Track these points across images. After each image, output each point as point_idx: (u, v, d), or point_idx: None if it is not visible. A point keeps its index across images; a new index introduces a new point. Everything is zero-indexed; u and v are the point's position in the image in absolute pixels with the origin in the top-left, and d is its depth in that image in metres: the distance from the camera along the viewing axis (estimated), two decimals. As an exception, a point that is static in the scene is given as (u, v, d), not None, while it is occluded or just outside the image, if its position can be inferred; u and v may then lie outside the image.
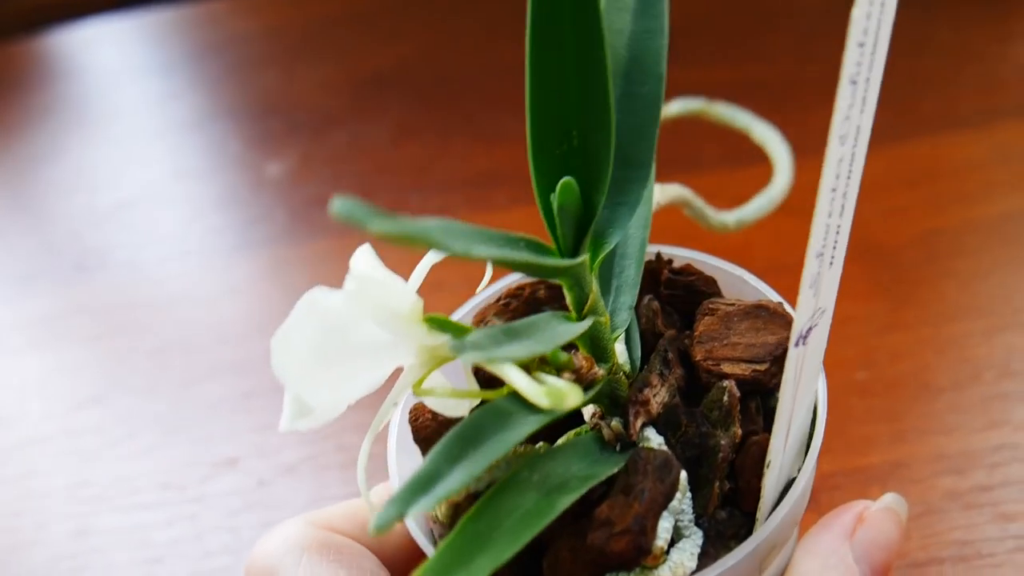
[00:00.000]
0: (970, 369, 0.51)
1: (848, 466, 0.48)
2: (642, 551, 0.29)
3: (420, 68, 0.82)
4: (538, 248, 0.29)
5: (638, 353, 0.34)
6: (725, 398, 0.32)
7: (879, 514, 0.34)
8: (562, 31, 0.28)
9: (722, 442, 0.31)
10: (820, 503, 0.46)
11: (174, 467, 0.55)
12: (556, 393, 0.27)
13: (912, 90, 0.69)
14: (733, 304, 0.35)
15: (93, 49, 0.93)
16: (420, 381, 0.29)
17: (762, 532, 0.31)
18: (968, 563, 0.44)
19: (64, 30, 0.94)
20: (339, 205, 0.22)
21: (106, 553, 0.51)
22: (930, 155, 0.63)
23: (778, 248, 0.58)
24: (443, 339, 0.29)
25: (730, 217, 0.46)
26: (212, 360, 0.61)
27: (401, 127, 0.75)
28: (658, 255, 0.37)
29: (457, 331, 0.29)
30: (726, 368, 0.33)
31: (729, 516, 0.32)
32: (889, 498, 0.35)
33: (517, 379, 0.27)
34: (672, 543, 0.31)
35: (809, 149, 0.65)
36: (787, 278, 0.34)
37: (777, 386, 0.31)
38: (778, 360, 0.33)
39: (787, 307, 0.35)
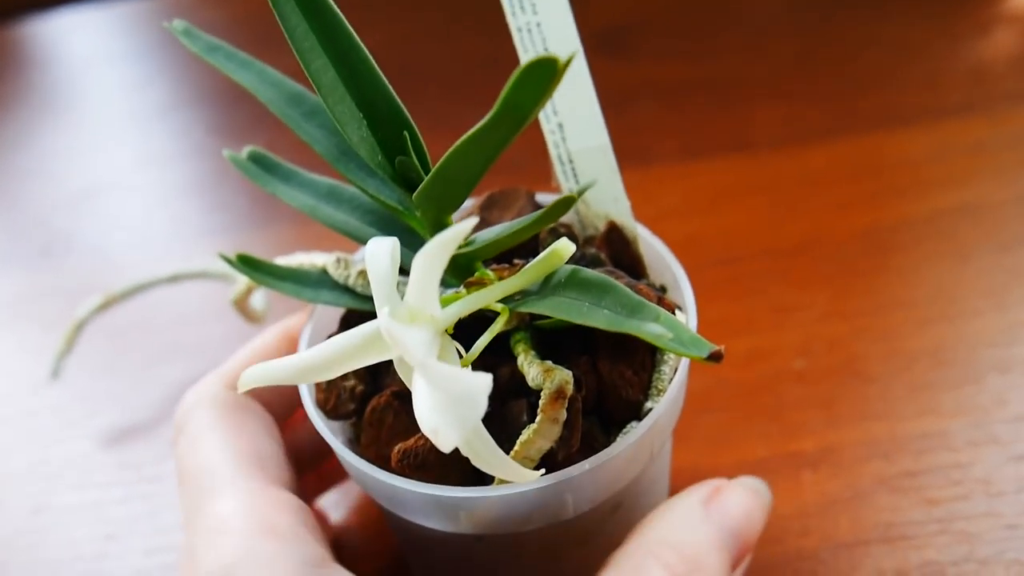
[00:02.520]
0: (902, 359, 0.53)
1: (782, 451, 0.49)
2: None
3: (385, 59, 0.82)
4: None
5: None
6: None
7: (737, 489, 0.35)
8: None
9: None
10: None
11: (131, 447, 0.56)
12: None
13: (857, 87, 0.70)
14: None
15: (64, 38, 0.94)
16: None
17: (653, 414, 0.34)
18: (892, 545, 0.45)
19: (35, 19, 0.95)
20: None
21: (64, 529, 0.53)
22: (873, 151, 0.65)
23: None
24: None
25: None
26: (172, 342, 0.62)
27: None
28: None
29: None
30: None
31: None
32: (749, 479, 0.36)
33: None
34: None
35: (755, 144, 0.67)
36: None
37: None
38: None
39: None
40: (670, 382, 0.35)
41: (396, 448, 0.33)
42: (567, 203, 0.30)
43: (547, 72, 0.26)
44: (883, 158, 0.65)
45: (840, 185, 0.63)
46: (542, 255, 0.32)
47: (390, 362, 0.35)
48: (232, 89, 0.83)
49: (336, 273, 0.37)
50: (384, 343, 0.30)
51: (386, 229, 0.37)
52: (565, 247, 0.32)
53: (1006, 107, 0.66)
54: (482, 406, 0.25)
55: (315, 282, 0.37)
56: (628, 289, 0.31)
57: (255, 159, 0.38)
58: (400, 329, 0.27)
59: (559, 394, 0.32)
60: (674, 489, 0.38)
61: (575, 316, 0.31)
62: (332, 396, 0.35)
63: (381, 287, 0.30)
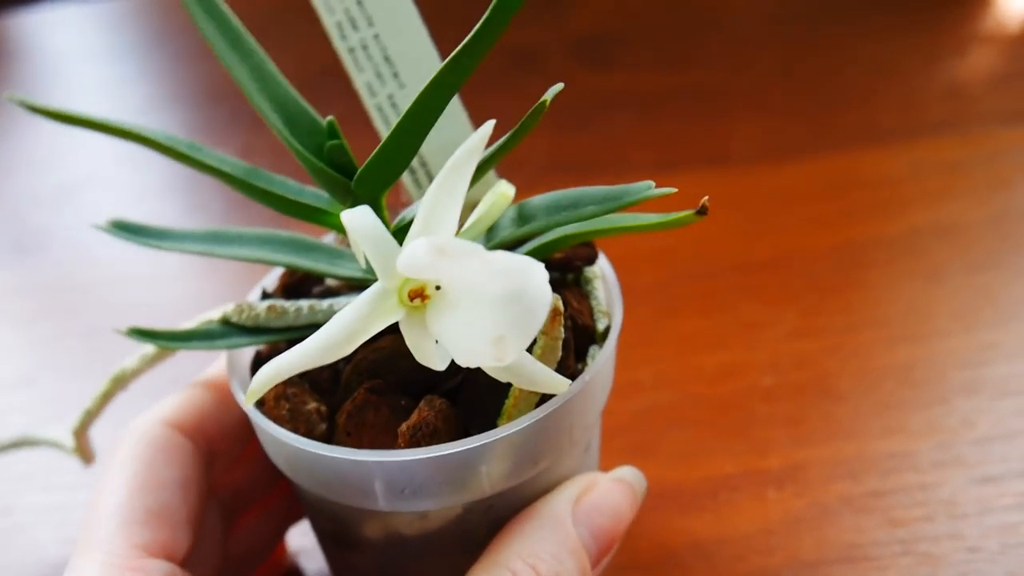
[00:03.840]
0: (871, 378, 0.53)
1: (748, 467, 0.49)
2: None
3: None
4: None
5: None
6: None
7: (608, 483, 0.35)
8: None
9: None
10: (719, 503, 0.47)
11: (98, 448, 0.56)
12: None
13: (835, 104, 0.71)
14: None
15: (46, 34, 0.94)
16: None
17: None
18: (855, 565, 0.45)
19: (16, 14, 0.94)
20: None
21: (28, 531, 0.52)
22: (849, 168, 0.65)
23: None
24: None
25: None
26: (142, 344, 0.61)
27: (343, 120, 0.76)
28: None
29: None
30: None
31: None
32: (625, 470, 0.37)
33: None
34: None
35: (731, 157, 0.67)
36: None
37: None
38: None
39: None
40: (604, 301, 0.37)
41: (402, 429, 0.33)
42: (540, 110, 0.30)
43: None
44: (858, 175, 0.65)
45: (815, 201, 0.63)
46: (487, 201, 0.33)
47: (338, 380, 0.36)
48: (211, 89, 0.83)
49: (241, 318, 0.37)
50: (390, 304, 0.30)
51: (294, 248, 0.38)
52: (509, 188, 0.33)
53: (980, 127, 0.67)
54: (549, 295, 0.25)
55: (221, 333, 0.38)
56: (597, 188, 0.32)
57: (121, 227, 0.38)
58: (450, 241, 0.27)
59: (556, 312, 0.32)
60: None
61: (561, 218, 0.32)
62: (300, 425, 0.35)
63: (379, 243, 0.29)
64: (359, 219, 0.29)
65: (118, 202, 0.74)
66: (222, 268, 0.67)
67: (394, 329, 0.31)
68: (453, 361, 0.29)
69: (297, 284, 0.41)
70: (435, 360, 0.30)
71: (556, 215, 0.32)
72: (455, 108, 0.39)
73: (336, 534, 0.39)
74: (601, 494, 0.35)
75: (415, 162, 0.40)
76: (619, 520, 0.35)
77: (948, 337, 0.54)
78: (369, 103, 0.39)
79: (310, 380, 0.37)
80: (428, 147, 0.40)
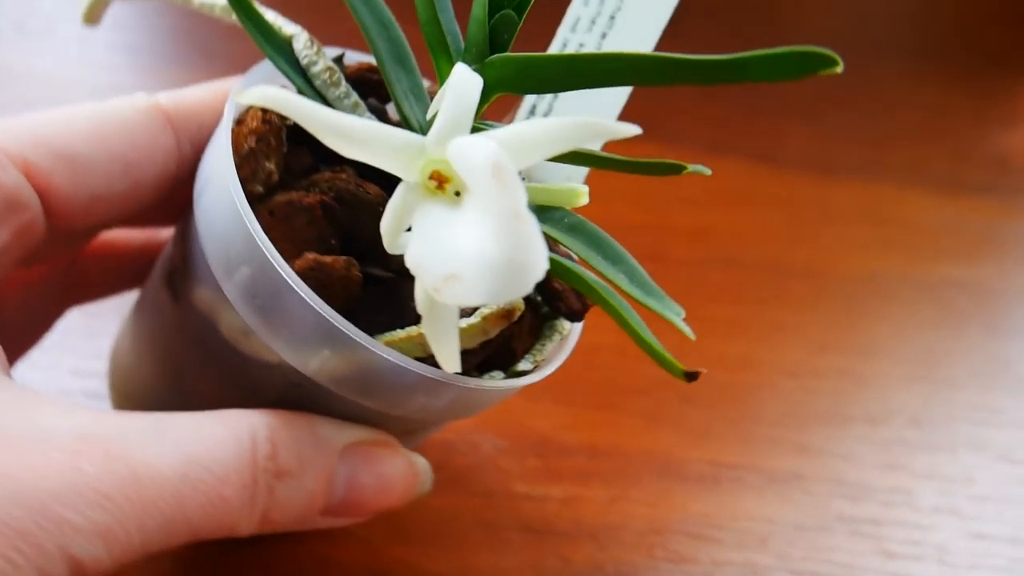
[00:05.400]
0: (883, 408, 0.53)
1: (752, 462, 0.49)
2: None
3: None
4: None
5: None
6: None
7: (402, 458, 0.33)
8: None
9: None
10: (721, 488, 0.47)
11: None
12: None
13: (886, 138, 0.71)
14: None
15: None
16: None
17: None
18: (845, 584, 0.45)
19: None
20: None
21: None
22: (892, 202, 0.65)
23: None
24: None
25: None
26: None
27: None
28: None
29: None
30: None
31: None
32: (423, 461, 0.34)
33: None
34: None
35: (780, 158, 0.66)
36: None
37: None
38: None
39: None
40: (541, 357, 0.34)
41: (308, 256, 0.30)
42: (675, 169, 0.29)
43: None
44: (900, 212, 0.65)
45: (854, 224, 0.63)
46: (558, 185, 0.31)
47: (308, 171, 0.32)
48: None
49: (302, 50, 0.33)
50: (408, 159, 0.27)
51: (395, 51, 0.33)
52: (584, 192, 0.30)
53: (1022, 201, 0.68)
54: (522, 293, 0.23)
55: (277, 45, 0.33)
56: (638, 264, 0.30)
57: None
58: (513, 172, 0.24)
59: (507, 315, 0.30)
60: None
61: (596, 263, 0.29)
62: (247, 168, 0.31)
63: (461, 113, 0.27)
64: (468, 78, 0.27)
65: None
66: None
67: (387, 187, 0.29)
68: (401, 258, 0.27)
69: (361, 81, 0.36)
70: (393, 240, 0.28)
71: (597, 252, 0.30)
72: (619, 95, 0.36)
73: (173, 282, 0.35)
74: (387, 460, 0.32)
75: (543, 102, 0.37)
76: (383, 492, 0.32)
77: (962, 390, 0.55)
78: (563, 33, 0.36)
79: (287, 149, 0.33)
80: (565, 103, 0.36)
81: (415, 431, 0.36)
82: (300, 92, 0.33)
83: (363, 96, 0.35)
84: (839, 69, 0.24)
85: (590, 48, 0.35)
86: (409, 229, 0.27)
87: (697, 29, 0.78)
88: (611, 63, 0.28)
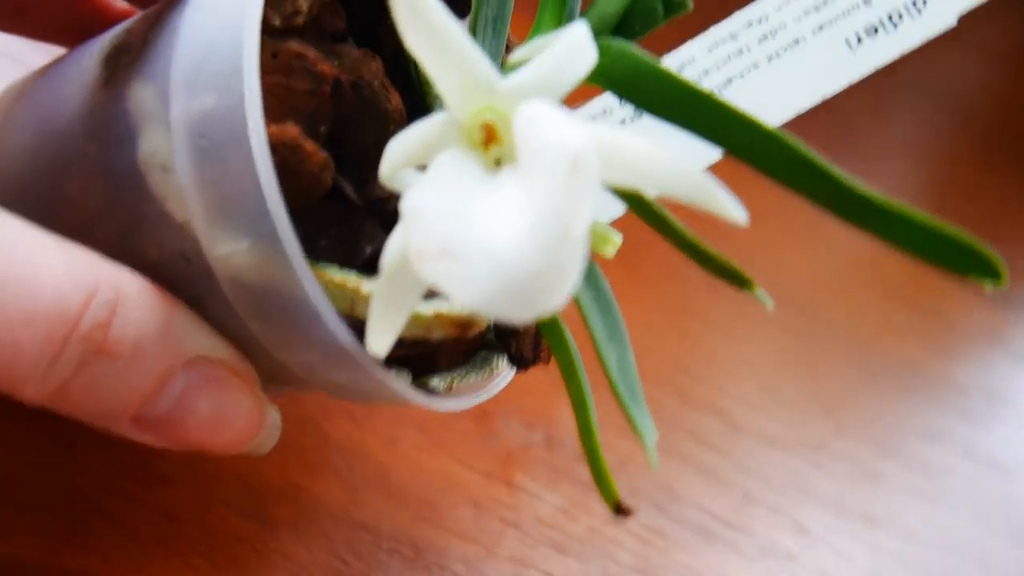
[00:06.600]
0: (885, 511, 0.52)
1: (749, 526, 0.48)
2: None
3: None
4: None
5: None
6: None
7: (250, 397, 0.27)
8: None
9: None
10: (714, 547, 0.46)
11: None
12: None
13: (975, 223, 0.70)
14: None
15: None
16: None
17: None
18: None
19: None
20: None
21: None
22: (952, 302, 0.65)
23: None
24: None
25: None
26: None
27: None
28: None
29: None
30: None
31: None
32: (277, 415, 0.28)
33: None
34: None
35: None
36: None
37: None
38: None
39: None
40: (458, 384, 0.29)
41: (293, 129, 0.24)
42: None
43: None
44: (968, 315, 0.65)
45: (908, 297, 0.64)
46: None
47: (342, 41, 0.27)
48: None
49: None
50: (469, 92, 0.22)
51: None
52: (617, 242, 0.27)
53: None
54: (529, 315, 0.19)
55: None
56: (632, 353, 0.26)
57: None
58: (591, 164, 0.19)
59: (463, 326, 0.26)
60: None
61: (593, 327, 0.25)
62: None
63: (560, 74, 0.22)
64: (586, 45, 0.22)
65: None
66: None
67: (409, 106, 0.26)
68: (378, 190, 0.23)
69: None
70: (393, 170, 0.23)
71: (596, 313, 0.26)
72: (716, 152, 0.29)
73: (115, 61, 0.28)
74: (236, 393, 0.26)
75: (622, 109, 0.31)
76: (213, 427, 0.26)
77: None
78: (692, 49, 0.30)
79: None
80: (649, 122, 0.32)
81: (282, 382, 0.29)
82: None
83: None
84: (1002, 286, 0.20)
85: (713, 83, 0.30)
86: (421, 169, 0.22)
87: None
88: (755, 137, 0.22)
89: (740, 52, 0.29)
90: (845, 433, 0.53)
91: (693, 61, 0.30)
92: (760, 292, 0.25)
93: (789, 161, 0.22)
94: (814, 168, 0.21)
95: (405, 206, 0.20)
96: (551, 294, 0.18)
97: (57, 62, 0.31)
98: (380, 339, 0.22)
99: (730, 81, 0.29)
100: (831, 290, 0.62)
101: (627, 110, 0.31)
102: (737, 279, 0.25)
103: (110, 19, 0.34)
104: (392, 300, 0.22)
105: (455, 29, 0.21)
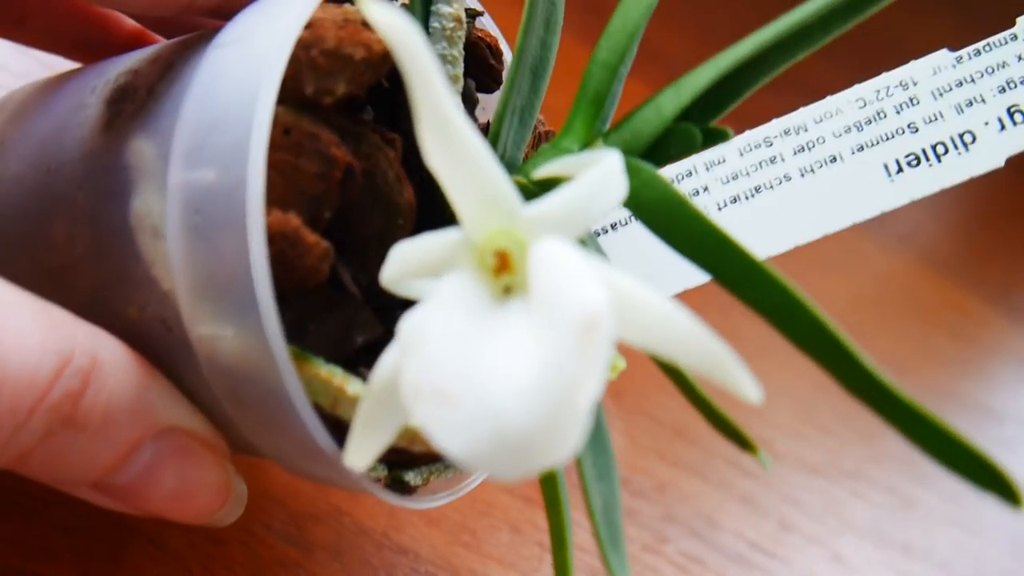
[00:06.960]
0: (922, 541, 0.51)
1: (786, 555, 0.47)
2: None
3: None
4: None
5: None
6: None
7: (219, 467, 0.25)
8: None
9: None
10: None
11: None
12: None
13: (986, 250, 0.70)
14: None
15: None
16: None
17: None
18: None
19: None
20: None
21: None
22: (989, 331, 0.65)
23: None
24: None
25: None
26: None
27: None
28: None
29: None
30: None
31: None
32: (241, 486, 0.26)
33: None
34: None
35: (910, 242, 0.65)
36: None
37: None
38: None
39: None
40: (435, 479, 0.27)
41: (295, 220, 0.22)
42: None
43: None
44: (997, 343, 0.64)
45: (947, 335, 0.63)
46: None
47: (360, 111, 0.26)
48: None
49: None
50: (488, 213, 0.20)
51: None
52: (621, 367, 0.27)
53: None
54: (529, 472, 0.17)
55: None
56: (619, 493, 0.25)
57: None
58: (607, 320, 0.18)
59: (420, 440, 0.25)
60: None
61: (583, 463, 0.24)
62: (319, 67, 0.24)
63: (586, 210, 0.20)
64: (617, 180, 0.20)
65: None
66: None
67: (422, 199, 0.24)
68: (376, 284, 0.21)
69: (474, 53, 0.29)
70: (399, 280, 0.21)
71: (588, 450, 0.24)
72: (702, 277, 0.26)
73: (119, 105, 0.26)
74: (204, 467, 0.25)
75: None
76: (177, 499, 0.25)
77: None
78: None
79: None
80: (633, 230, 0.29)
81: (254, 455, 0.28)
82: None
83: (465, 72, 0.28)
84: (1020, 506, 0.19)
85: (740, 189, 0.28)
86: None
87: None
88: (783, 303, 0.21)
89: (773, 160, 0.28)
90: (882, 461, 0.53)
91: (723, 162, 0.28)
92: (762, 455, 0.25)
93: (820, 342, 0.21)
94: (843, 353, 0.21)
95: (403, 327, 0.19)
96: (547, 455, 0.17)
97: (58, 85, 0.30)
98: (359, 456, 0.21)
99: (758, 190, 0.28)
100: (870, 317, 0.62)
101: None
102: (741, 441, 0.25)
103: (117, 37, 0.33)
104: (377, 419, 0.21)
105: (479, 144, 0.20)
